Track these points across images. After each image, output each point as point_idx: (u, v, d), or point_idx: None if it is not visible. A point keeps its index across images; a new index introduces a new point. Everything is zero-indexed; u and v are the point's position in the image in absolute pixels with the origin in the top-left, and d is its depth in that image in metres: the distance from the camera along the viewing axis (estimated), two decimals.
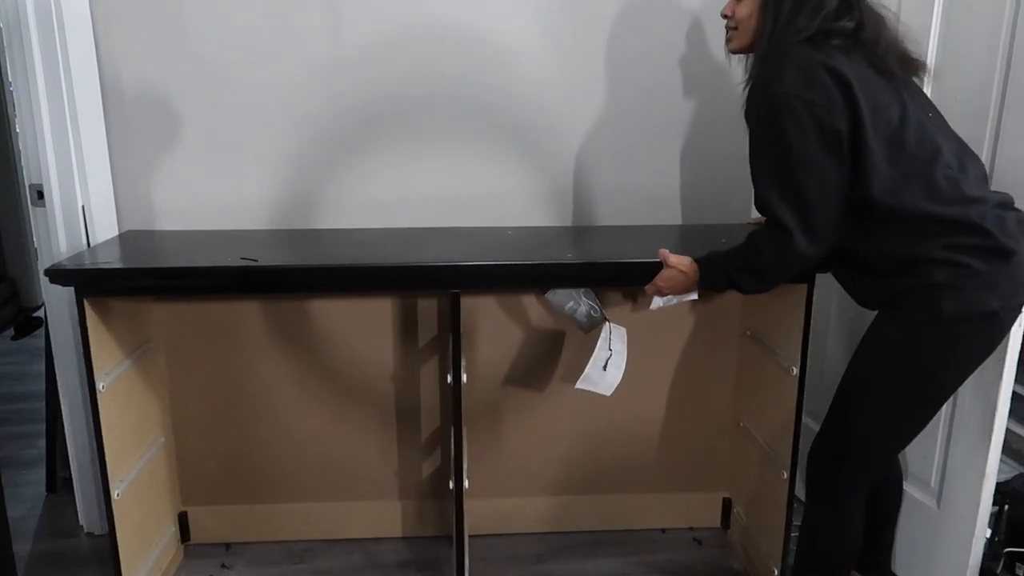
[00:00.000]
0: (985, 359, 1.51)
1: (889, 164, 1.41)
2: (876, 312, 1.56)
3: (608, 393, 1.95)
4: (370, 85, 2.11)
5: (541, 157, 2.20)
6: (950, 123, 1.79)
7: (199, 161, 2.11)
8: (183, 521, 2.22)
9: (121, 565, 1.79)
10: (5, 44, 2.01)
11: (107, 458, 1.75)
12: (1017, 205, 1.61)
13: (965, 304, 1.40)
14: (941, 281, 1.40)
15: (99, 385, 1.72)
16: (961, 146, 1.51)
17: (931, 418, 1.54)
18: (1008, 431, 2.47)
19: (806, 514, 1.70)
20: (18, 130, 2.20)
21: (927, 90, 1.85)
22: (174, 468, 2.18)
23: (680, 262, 1.66)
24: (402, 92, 2.12)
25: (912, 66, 1.53)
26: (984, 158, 1.69)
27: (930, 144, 1.45)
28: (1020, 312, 1.50)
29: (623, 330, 1.98)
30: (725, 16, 1.60)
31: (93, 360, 1.70)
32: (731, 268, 1.59)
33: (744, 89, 1.54)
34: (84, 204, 2.04)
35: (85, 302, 1.67)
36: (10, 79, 2.10)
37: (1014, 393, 2.09)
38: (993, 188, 1.68)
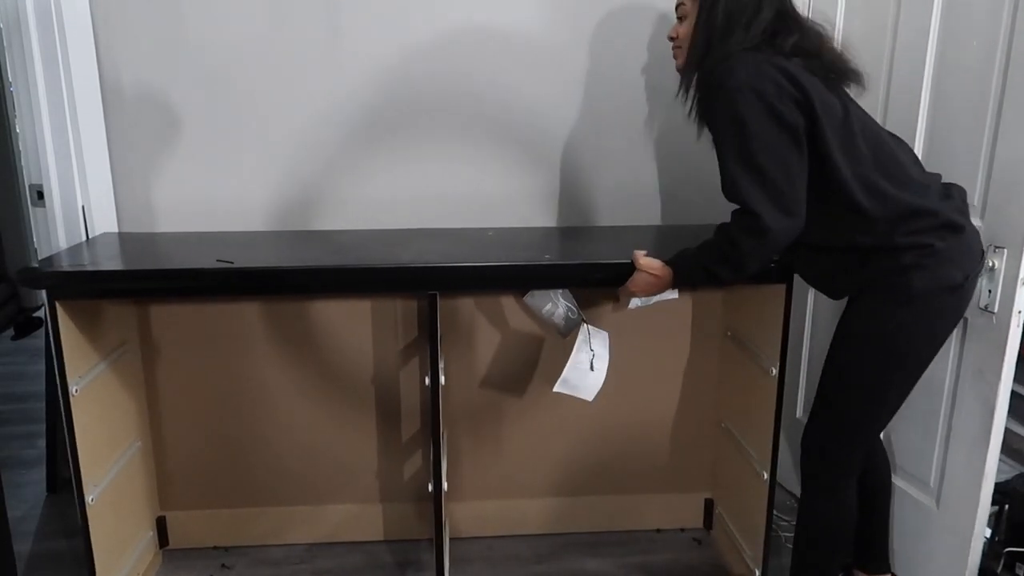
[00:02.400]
0: (954, 328, 1.61)
1: (845, 157, 1.49)
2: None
3: (590, 398, 1.94)
4: (367, 87, 2.11)
5: (530, 159, 2.20)
6: (950, 124, 1.80)
7: (199, 161, 2.11)
8: (161, 526, 2.21)
9: (96, 570, 1.78)
10: (5, 44, 2.01)
11: (81, 462, 1.73)
12: (1007, 205, 1.62)
13: (933, 280, 1.50)
14: (909, 263, 1.50)
15: (72, 388, 1.70)
16: (893, 136, 1.61)
17: (912, 388, 1.63)
18: (1008, 431, 2.47)
19: (802, 500, 1.75)
20: (18, 130, 2.20)
21: (926, 92, 1.86)
22: (152, 472, 2.17)
23: (650, 265, 1.70)
24: (398, 94, 2.12)
25: (850, 76, 1.59)
26: (982, 158, 1.70)
27: (873, 136, 1.54)
28: (977, 280, 1.61)
29: (605, 334, 1.98)
30: (671, 38, 1.71)
31: (66, 363, 1.69)
32: (707, 262, 1.61)
33: (690, 101, 1.65)
34: (84, 204, 2.04)
35: (57, 304, 1.66)
36: (10, 79, 2.10)
37: (1014, 392, 2.09)
38: (991, 188, 1.69)
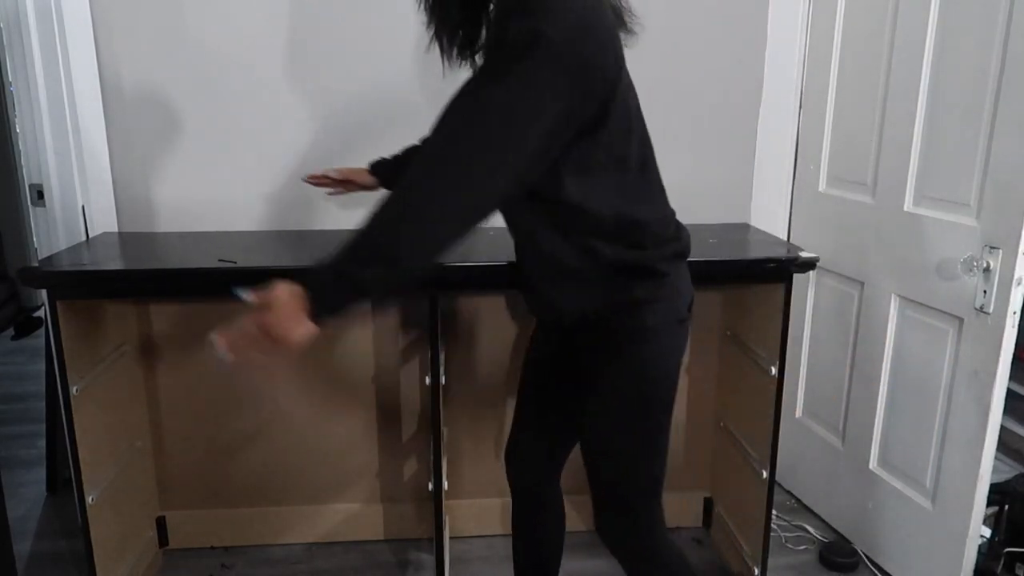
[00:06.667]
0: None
1: (633, 138, 1.24)
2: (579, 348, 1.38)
3: None
4: (367, 87, 2.11)
5: None
6: (947, 120, 1.80)
7: (199, 161, 2.12)
8: (161, 526, 2.21)
9: (96, 570, 1.78)
10: (5, 44, 2.02)
11: (81, 462, 1.73)
12: (1002, 205, 1.62)
13: (664, 315, 1.29)
14: (642, 296, 1.27)
15: (72, 388, 1.70)
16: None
17: (670, 429, 1.41)
18: (1008, 431, 2.49)
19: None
20: (18, 130, 2.20)
21: (923, 92, 1.86)
22: (152, 472, 2.17)
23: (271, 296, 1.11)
24: (398, 93, 2.12)
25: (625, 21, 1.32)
26: (979, 156, 1.70)
27: (642, 122, 1.30)
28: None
29: None
30: None
31: (66, 363, 1.69)
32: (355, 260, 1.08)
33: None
34: (84, 204, 2.05)
35: (57, 304, 1.66)
36: (10, 79, 2.11)
37: (1013, 392, 2.10)
38: (986, 188, 1.69)
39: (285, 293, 1.11)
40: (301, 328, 1.12)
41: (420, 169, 1.11)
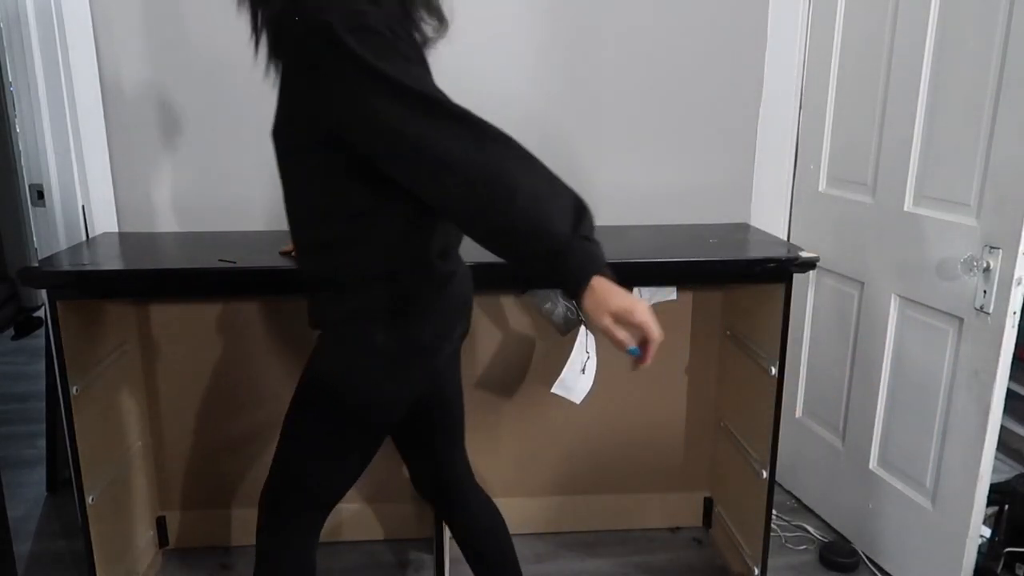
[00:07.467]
0: (418, 395, 1.33)
1: None
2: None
3: (578, 401, 1.95)
4: None
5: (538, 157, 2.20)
6: (947, 120, 1.80)
7: (199, 161, 2.12)
8: (161, 526, 2.21)
9: (96, 570, 1.78)
10: (5, 44, 2.02)
11: (81, 462, 1.73)
12: (1002, 205, 1.62)
13: (398, 337, 1.22)
14: (381, 307, 1.20)
15: (72, 388, 1.71)
16: None
17: (371, 458, 1.38)
18: (1008, 431, 2.48)
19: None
20: (18, 130, 2.21)
21: (923, 92, 1.86)
22: (152, 472, 2.17)
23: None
24: None
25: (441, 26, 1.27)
26: (979, 156, 1.70)
27: None
28: (452, 343, 1.32)
29: (592, 338, 1.98)
30: None
31: (66, 363, 1.69)
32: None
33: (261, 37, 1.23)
34: (84, 204, 2.05)
35: (57, 304, 1.66)
36: (10, 79, 2.11)
37: (1013, 393, 2.10)
38: (987, 188, 1.69)
39: (601, 294, 1.09)
40: (625, 298, 1.10)
41: (463, 170, 1.09)
